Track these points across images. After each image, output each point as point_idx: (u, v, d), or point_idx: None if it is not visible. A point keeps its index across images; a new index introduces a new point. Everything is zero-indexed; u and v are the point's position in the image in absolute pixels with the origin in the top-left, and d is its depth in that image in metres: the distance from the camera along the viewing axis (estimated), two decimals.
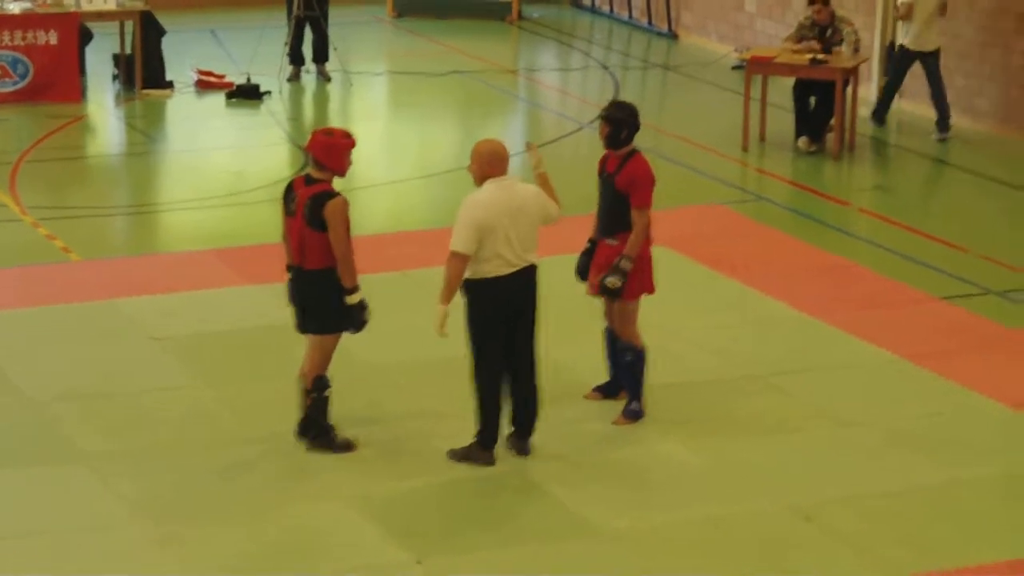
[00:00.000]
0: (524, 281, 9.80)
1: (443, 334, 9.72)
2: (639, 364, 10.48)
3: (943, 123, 17.48)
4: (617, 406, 10.65)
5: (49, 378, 11.04)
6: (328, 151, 9.77)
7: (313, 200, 9.72)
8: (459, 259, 9.69)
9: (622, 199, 10.33)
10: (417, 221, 14.80)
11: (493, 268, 9.70)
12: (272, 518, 9.25)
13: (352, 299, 9.80)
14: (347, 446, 10.03)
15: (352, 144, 9.85)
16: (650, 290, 10.52)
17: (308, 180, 9.85)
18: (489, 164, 9.78)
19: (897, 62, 17.70)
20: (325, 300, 9.82)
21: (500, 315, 9.79)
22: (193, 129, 18.02)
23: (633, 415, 10.51)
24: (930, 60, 17.36)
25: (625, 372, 10.54)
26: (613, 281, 10.29)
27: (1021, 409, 10.89)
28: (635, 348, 10.47)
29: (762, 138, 17.16)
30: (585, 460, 10.03)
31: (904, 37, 17.47)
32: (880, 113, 18.00)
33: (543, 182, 10.11)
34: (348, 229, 9.76)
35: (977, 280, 13.35)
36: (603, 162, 10.56)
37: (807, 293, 12.86)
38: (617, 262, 10.30)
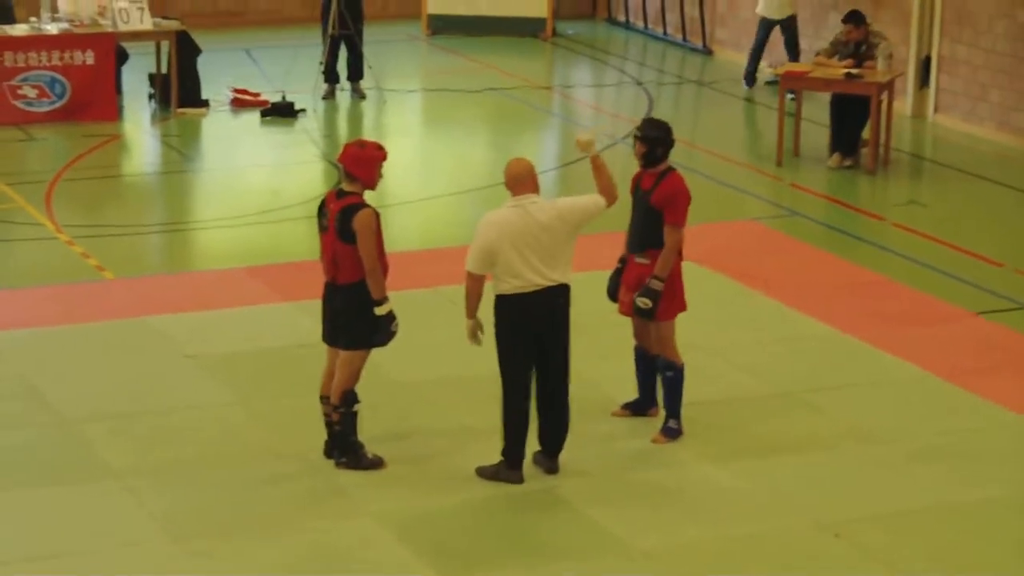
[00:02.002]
0: (551, 300, 9.76)
1: (477, 342, 9.76)
2: (679, 382, 10.45)
3: (750, 77, 20.26)
4: (645, 423, 10.64)
5: (82, 396, 11.09)
6: (359, 163, 9.80)
7: (343, 213, 9.74)
8: (472, 278, 9.74)
9: (656, 216, 10.31)
10: (450, 238, 14.80)
11: (513, 287, 9.70)
12: (301, 535, 9.26)
13: (381, 310, 9.81)
14: (376, 463, 10.04)
15: (384, 156, 9.86)
16: (682, 308, 10.50)
17: (340, 194, 9.88)
18: (518, 183, 9.79)
19: (758, 30, 20.24)
20: (356, 314, 9.84)
21: (525, 332, 9.77)
22: (228, 147, 18.10)
23: (671, 433, 10.49)
24: (787, 24, 19.93)
25: (665, 390, 10.51)
26: (644, 301, 10.26)
27: None
28: (676, 365, 10.44)
29: (796, 153, 17.13)
30: (613, 478, 10.01)
31: (761, 7, 20.15)
32: (750, 77, 20.36)
33: (596, 168, 9.99)
34: (379, 241, 9.78)
35: (1013, 295, 13.28)
36: (637, 179, 10.54)
37: (840, 309, 12.81)
38: (648, 283, 10.27)
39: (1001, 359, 11.97)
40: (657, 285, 10.27)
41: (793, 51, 19.97)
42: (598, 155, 10.01)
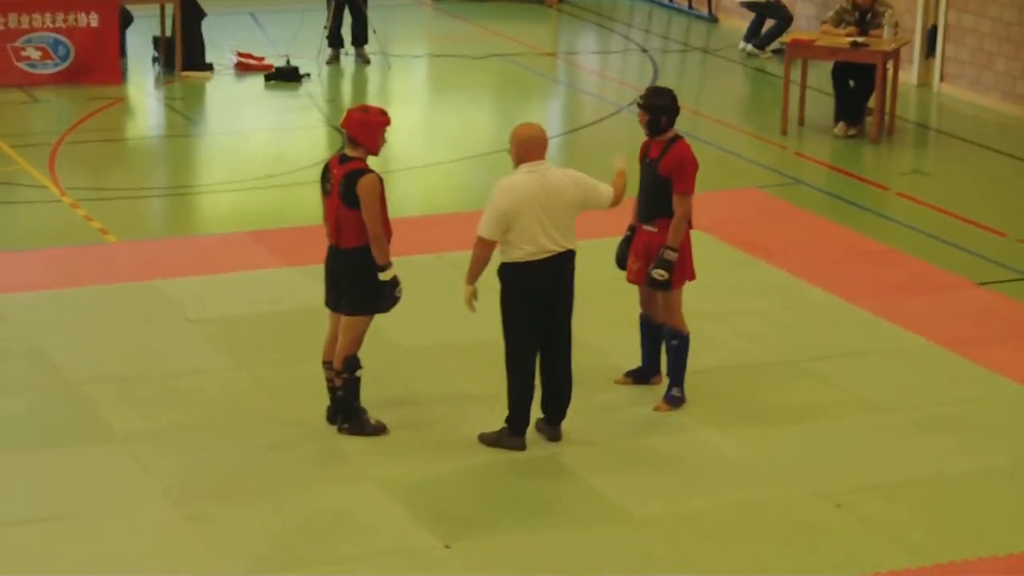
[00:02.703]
0: (560, 267, 9.77)
1: (472, 309, 9.73)
2: (684, 350, 10.44)
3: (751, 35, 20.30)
4: (648, 391, 10.65)
5: (85, 359, 11.11)
6: (362, 127, 9.78)
7: (347, 178, 9.73)
8: (484, 243, 9.70)
9: (664, 185, 10.30)
10: (454, 204, 14.81)
11: (526, 253, 9.67)
12: (302, 500, 9.29)
13: (384, 276, 9.81)
14: (378, 429, 10.05)
15: (387, 122, 9.85)
16: (691, 276, 10.49)
17: (343, 159, 9.87)
18: (525, 148, 9.75)
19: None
20: (359, 279, 9.84)
21: (533, 300, 9.77)
22: (232, 111, 18.07)
23: (674, 401, 10.49)
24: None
25: (669, 358, 10.50)
26: (660, 273, 10.25)
27: None
28: (681, 334, 10.44)
29: (801, 122, 17.09)
30: (616, 445, 10.02)
31: None
32: (751, 35, 20.42)
33: (619, 176, 10.02)
34: (383, 206, 9.77)
35: (1016, 265, 13.28)
36: (645, 148, 10.52)
37: (844, 278, 12.81)
38: (661, 253, 10.25)
39: (1003, 329, 11.97)
40: (671, 255, 10.25)
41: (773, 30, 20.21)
42: (625, 172, 10.04)
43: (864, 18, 16.85)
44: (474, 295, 9.80)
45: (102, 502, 9.27)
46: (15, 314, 11.87)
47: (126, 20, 19.06)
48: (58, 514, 9.12)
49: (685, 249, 10.38)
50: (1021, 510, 9.40)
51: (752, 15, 20.40)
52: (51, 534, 8.92)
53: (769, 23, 20.32)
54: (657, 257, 10.28)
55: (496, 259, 9.79)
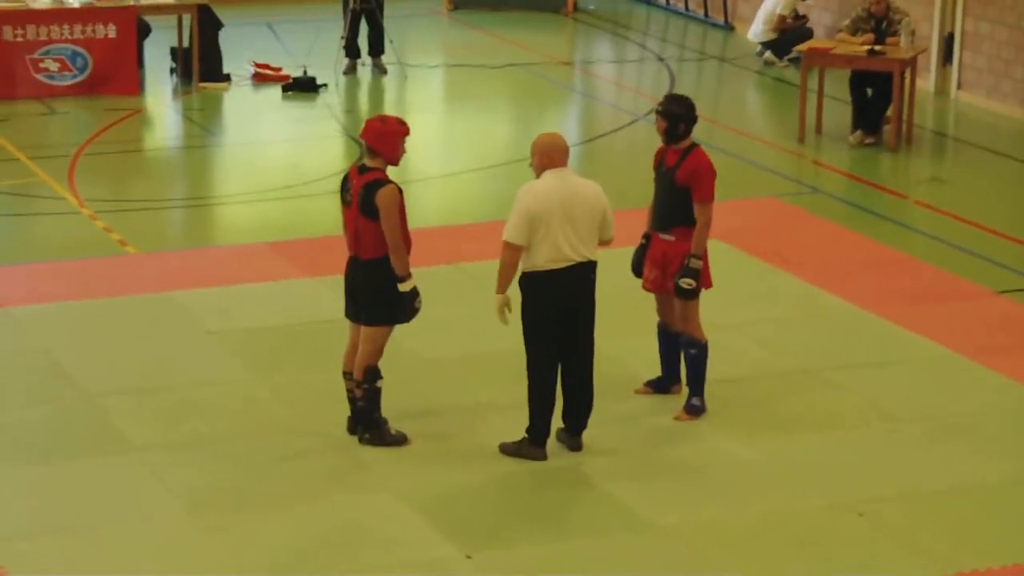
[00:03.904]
0: (581, 277, 9.76)
1: (504, 321, 9.73)
2: (702, 359, 10.44)
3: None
4: (668, 401, 10.65)
5: (104, 370, 11.13)
6: (381, 138, 9.79)
7: (366, 188, 9.75)
8: (511, 249, 9.68)
9: (681, 193, 10.29)
10: (472, 214, 14.82)
11: (547, 260, 9.66)
12: (321, 511, 9.29)
13: (404, 287, 9.82)
14: (399, 440, 10.06)
15: (406, 132, 9.85)
16: (708, 285, 10.49)
17: (362, 169, 9.88)
18: (548, 156, 9.75)
19: None
20: (379, 290, 9.84)
21: (554, 310, 9.76)
22: (250, 122, 18.11)
23: (694, 410, 10.48)
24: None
25: (688, 367, 10.50)
26: (688, 282, 10.23)
27: None
28: (699, 343, 10.43)
29: (818, 130, 17.08)
30: (637, 455, 10.02)
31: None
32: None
33: None
34: (403, 217, 9.78)
35: None
36: (660, 156, 10.51)
37: (862, 287, 12.80)
38: (687, 262, 10.23)
39: (1022, 337, 11.94)
40: (697, 264, 10.24)
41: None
42: None
43: (880, 26, 16.84)
44: (507, 305, 9.76)
45: (120, 513, 9.28)
46: (34, 326, 11.90)
47: (144, 31, 19.11)
48: (75, 526, 9.13)
49: (703, 258, 10.37)
50: None
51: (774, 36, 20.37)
52: (69, 545, 8.93)
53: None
54: (682, 267, 10.26)
55: (518, 269, 9.79)
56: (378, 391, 10.01)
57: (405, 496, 9.44)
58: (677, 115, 10.31)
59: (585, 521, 9.25)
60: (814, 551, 8.98)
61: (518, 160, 15.85)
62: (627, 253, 10.69)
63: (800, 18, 20.32)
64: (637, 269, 10.61)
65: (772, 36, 20.20)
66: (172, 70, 19.40)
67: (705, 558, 8.88)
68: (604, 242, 9.91)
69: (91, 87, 18.37)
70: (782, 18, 20.15)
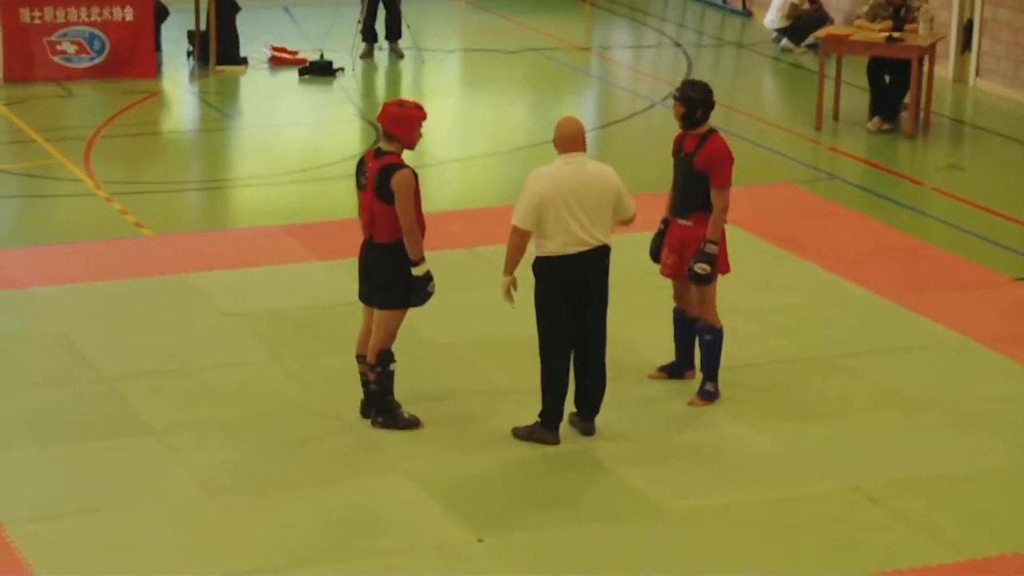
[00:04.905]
0: (594, 261, 9.75)
1: (509, 301, 9.72)
2: (718, 345, 10.42)
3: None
4: (682, 386, 10.64)
5: (120, 352, 11.14)
6: (398, 122, 9.78)
7: (381, 172, 9.74)
8: (518, 232, 9.68)
9: (699, 179, 10.27)
10: (487, 198, 14.81)
11: (559, 244, 9.66)
12: (335, 494, 9.30)
13: (417, 271, 9.81)
14: (412, 423, 10.06)
15: (423, 116, 9.84)
16: (725, 270, 10.47)
17: (378, 153, 9.87)
18: (564, 140, 9.76)
19: None
20: (393, 274, 9.84)
21: (567, 294, 9.76)
22: (266, 105, 18.12)
23: (708, 396, 10.47)
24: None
25: (703, 353, 10.48)
26: (703, 267, 10.22)
27: None
28: (715, 329, 10.42)
29: (835, 117, 17.04)
30: (650, 440, 10.01)
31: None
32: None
33: None
34: (417, 201, 9.77)
35: None
36: (678, 142, 10.49)
37: (879, 273, 12.77)
38: (702, 247, 10.22)
39: None
40: (712, 249, 10.22)
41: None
42: None
43: (899, 13, 16.79)
44: (513, 285, 9.78)
45: (136, 495, 9.30)
46: (51, 308, 11.92)
47: (161, 14, 19.13)
48: (92, 507, 9.15)
49: (720, 243, 10.35)
50: None
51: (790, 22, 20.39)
52: (86, 527, 8.95)
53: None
54: (697, 251, 10.25)
55: (531, 253, 9.78)
56: (391, 375, 10.01)
57: (418, 479, 9.45)
58: (695, 100, 10.28)
59: (597, 506, 9.24)
60: (830, 537, 8.96)
61: (534, 145, 15.86)
62: (645, 238, 10.68)
63: (813, 4, 20.27)
64: (655, 255, 10.60)
65: (786, 23, 20.17)
66: (189, 53, 19.42)
67: (718, 543, 8.87)
68: (626, 221, 9.89)
69: (108, 70, 18.39)
70: (795, 5, 20.11)
